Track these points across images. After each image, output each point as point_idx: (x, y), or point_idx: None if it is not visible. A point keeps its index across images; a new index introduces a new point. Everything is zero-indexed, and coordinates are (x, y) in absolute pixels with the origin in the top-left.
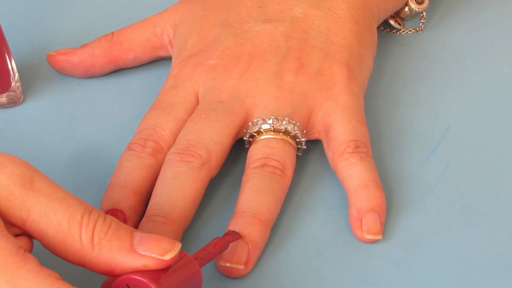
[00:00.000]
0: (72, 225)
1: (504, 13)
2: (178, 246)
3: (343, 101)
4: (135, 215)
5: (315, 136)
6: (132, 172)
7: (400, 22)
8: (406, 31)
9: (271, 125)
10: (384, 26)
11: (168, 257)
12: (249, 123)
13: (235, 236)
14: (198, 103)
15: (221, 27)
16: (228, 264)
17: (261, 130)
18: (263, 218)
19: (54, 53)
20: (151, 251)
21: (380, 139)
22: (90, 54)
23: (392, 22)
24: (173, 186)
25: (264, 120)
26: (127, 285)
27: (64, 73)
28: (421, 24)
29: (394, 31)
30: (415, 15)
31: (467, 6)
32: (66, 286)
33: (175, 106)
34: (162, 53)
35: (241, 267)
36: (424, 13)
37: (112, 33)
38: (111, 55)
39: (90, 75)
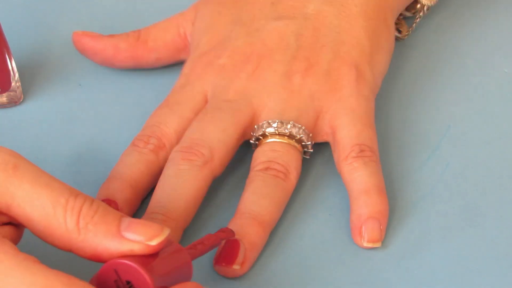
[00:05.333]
0: (57, 209)
1: (504, 13)
2: (166, 231)
3: (350, 103)
4: (129, 208)
5: (323, 138)
6: (131, 166)
7: (401, 30)
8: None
9: (276, 128)
10: None
11: (155, 242)
12: (255, 126)
13: (228, 233)
14: (206, 103)
15: (233, 25)
16: (224, 264)
17: (266, 133)
18: (262, 220)
19: (80, 33)
20: (138, 236)
21: (380, 139)
22: (114, 45)
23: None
24: (174, 184)
25: (269, 123)
26: (115, 271)
27: (84, 55)
28: (413, 24)
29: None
30: (424, 11)
31: (467, 6)
32: (42, 268)
33: (182, 105)
34: (184, 55)
35: (237, 267)
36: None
37: (140, 31)
38: (134, 52)
39: (110, 66)
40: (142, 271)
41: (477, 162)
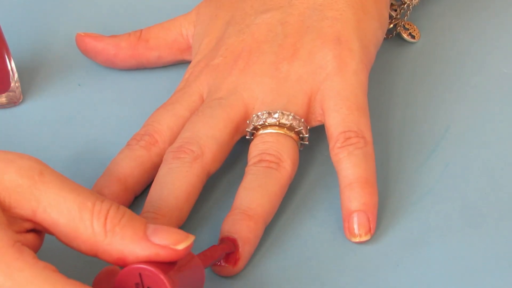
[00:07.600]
0: (83, 213)
1: (504, 13)
2: (191, 238)
3: (336, 83)
4: (118, 202)
5: (319, 120)
6: (120, 162)
7: (414, 35)
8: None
9: (264, 120)
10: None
11: (181, 247)
12: (247, 121)
13: (230, 246)
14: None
15: (227, 25)
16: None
17: (258, 126)
18: (252, 213)
19: (83, 34)
20: (165, 240)
21: (380, 139)
22: (115, 44)
23: (405, 36)
24: (164, 182)
25: (258, 116)
26: (140, 275)
27: (87, 56)
28: (405, 17)
29: (390, 36)
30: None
31: (467, 6)
32: (61, 278)
33: (176, 104)
34: (187, 56)
35: (230, 266)
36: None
37: (141, 30)
38: (136, 50)
39: (112, 66)
40: (166, 281)
41: (477, 162)
